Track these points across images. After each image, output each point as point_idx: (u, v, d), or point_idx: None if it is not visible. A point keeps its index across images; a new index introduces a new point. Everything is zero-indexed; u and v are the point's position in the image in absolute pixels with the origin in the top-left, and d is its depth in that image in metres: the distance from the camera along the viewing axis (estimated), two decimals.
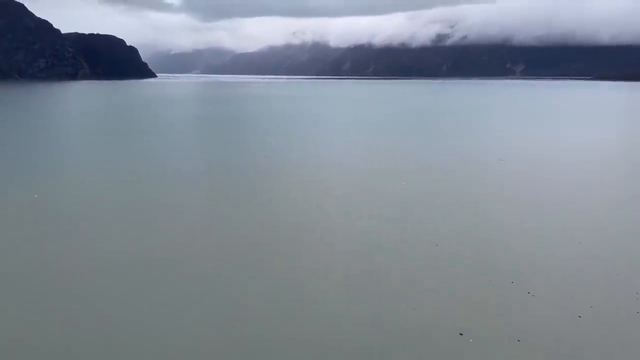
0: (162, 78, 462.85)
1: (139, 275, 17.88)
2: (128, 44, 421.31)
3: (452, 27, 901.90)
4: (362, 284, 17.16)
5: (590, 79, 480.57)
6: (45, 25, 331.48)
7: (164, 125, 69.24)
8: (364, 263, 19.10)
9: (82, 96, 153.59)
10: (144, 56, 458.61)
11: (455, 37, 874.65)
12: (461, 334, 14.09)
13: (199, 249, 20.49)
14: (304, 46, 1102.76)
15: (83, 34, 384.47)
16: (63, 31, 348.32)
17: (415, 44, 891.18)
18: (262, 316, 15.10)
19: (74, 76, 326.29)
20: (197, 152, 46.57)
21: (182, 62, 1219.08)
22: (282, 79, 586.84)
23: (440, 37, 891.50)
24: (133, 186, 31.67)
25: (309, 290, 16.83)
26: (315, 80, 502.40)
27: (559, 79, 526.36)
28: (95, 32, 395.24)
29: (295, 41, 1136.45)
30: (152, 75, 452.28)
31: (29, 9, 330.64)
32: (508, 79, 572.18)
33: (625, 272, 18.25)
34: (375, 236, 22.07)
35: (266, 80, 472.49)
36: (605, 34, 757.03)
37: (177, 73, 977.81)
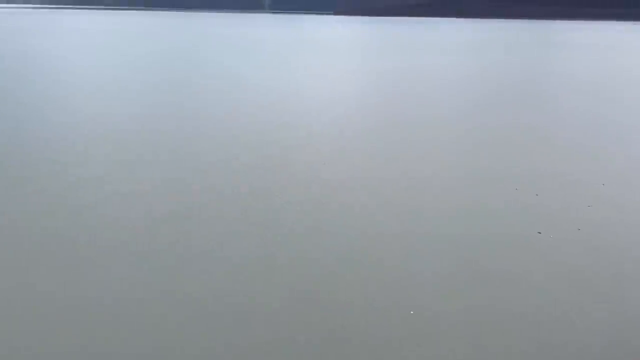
0: None
1: None
2: None
3: None
4: None
5: (330, 14, 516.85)
6: None
7: None
8: None
9: None
10: None
11: None
12: None
13: None
14: None
15: None
16: None
17: None
18: None
19: None
20: None
21: None
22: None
23: None
24: None
25: None
26: (43, 9, 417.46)
27: (304, 13, 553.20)
28: None
29: None
30: None
31: None
32: (259, 12, 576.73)
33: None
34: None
35: None
36: None
37: None
